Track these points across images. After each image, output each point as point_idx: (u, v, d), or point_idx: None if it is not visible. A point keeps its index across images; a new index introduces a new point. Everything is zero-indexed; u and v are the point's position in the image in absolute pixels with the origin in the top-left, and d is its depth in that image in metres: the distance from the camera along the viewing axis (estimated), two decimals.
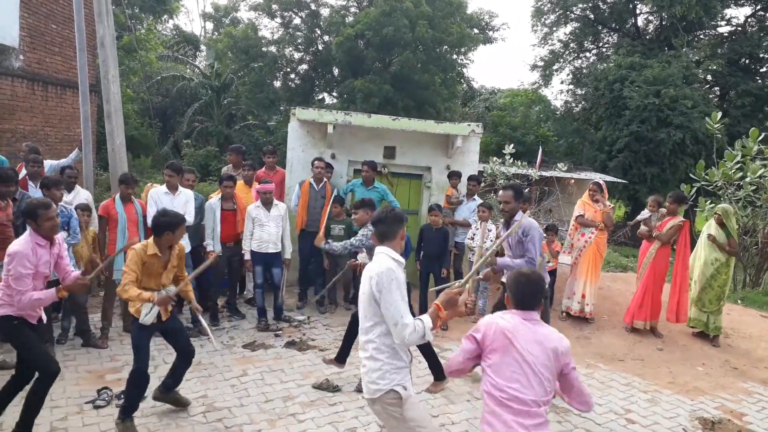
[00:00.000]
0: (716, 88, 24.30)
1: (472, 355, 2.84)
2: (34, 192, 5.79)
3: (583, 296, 7.30)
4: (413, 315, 2.92)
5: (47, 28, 10.97)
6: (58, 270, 4.00)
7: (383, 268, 2.90)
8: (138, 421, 4.02)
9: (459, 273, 7.35)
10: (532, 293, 2.81)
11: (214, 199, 6.50)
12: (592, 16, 26.53)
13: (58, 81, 11.40)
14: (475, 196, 7.72)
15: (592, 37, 27.72)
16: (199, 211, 6.37)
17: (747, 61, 23.00)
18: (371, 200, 5.42)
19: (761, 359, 6.58)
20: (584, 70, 27.01)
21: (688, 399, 5.27)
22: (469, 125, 7.97)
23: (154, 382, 4.31)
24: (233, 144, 9.20)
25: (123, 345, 5.61)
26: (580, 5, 25.80)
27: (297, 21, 25.03)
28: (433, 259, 6.92)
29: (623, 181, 19.75)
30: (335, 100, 25.13)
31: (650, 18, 26.21)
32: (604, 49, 27.90)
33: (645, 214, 7.18)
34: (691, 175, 10.82)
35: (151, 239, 4.07)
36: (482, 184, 9.34)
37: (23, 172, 6.17)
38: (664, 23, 24.32)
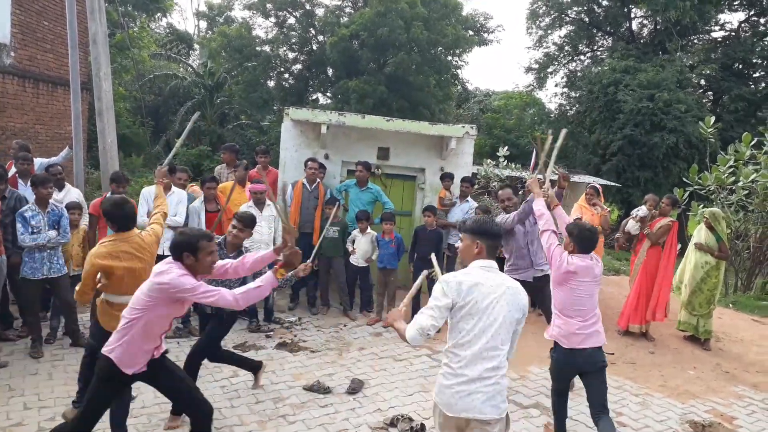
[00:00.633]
0: (710, 93, 24.41)
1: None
2: (24, 190, 5.74)
3: None
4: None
5: (39, 25, 10.89)
6: None
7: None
8: (128, 421, 3.95)
9: None
10: (592, 240, 3.93)
11: (197, 202, 6.45)
12: (587, 19, 26.60)
13: (50, 78, 11.32)
14: (469, 198, 7.70)
15: (587, 41, 27.79)
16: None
17: (740, 66, 23.10)
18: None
19: (752, 363, 6.59)
20: (578, 73, 27.06)
21: (679, 402, 5.27)
22: (464, 127, 7.95)
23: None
24: (226, 143, 9.15)
25: None
26: (575, 8, 25.87)
27: (291, 20, 25.00)
28: (427, 260, 6.87)
29: (617, 184, 19.76)
30: (329, 101, 25.10)
31: (645, 22, 26.31)
32: (598, 53, 27.98)
33: (642, 211, 7.09)
34: (684, 179, 10.85)
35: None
36: (476, 186, 9.32)
37: (13, 170, 6.12)
38: (658, 27, 24.40)
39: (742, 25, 24.16)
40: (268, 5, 23.86)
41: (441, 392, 2.86)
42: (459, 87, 29.75)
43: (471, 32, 25.22)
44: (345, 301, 7.18)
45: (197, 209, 6.34)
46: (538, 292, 5.52)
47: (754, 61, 22.78)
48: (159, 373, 3.36)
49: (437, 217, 7.14)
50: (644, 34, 26.27)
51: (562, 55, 28.02)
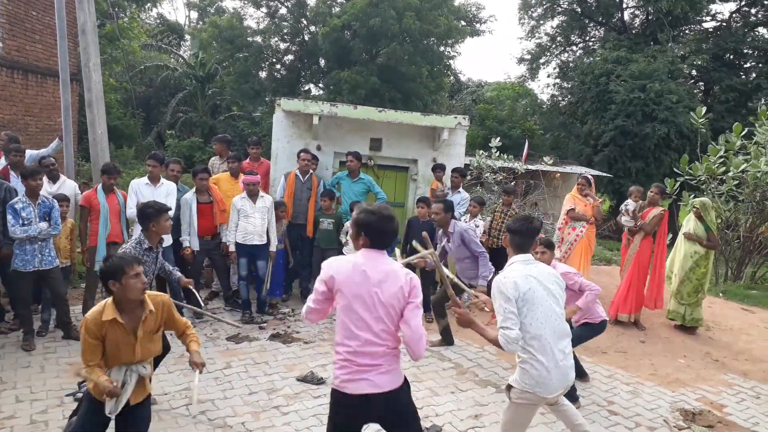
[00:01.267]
0: (701, 83, 24.54)
1: None
2: (16, 182, 5.69)
3: None
4: None
5: (27, 15, 10.77)
6: None
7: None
8: None
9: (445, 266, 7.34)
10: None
11: (189, 194, 6.40)
12: (579, 9, 26.61)
13: (39, 69, 11.21)
14: (460, 189, 7.71)
15: (579, 31, 27.83)
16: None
17: (731, 57, 23.22)
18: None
19: (741, 351, 6.67)
20: (570, 64, 27.12)
21: (670, 390, 5.33)
22: (456, 118, 7.94)
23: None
24: (217, 135, 9.10)
25: None
26: None
27: (283, 11, 24.86)
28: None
29: (608, 175, 19.87)
30: (321, 92, 25.01)
31: (636, 12, 26.37)
32: (590, 43, 28.03)
33: (630, 204, 7.18)
34: (675, 170, 10.92)
35: (108, 300, 3.01)
36: (468, 177, 9.32)
37: (3, 162, 6.07)
38: (650, 18, 24.46)
39: (734, 15, 24.27)
40: None
41: (536, 383, 3.10)
42: (451, 78, 29.72)
43: (463, 23, 25.17)
44: None
45: (189, 201, 6.31)
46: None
47: (745, 51, 22.90)
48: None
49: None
50: (636, 25, 26.32)
51: (554, 45, 28.06)
